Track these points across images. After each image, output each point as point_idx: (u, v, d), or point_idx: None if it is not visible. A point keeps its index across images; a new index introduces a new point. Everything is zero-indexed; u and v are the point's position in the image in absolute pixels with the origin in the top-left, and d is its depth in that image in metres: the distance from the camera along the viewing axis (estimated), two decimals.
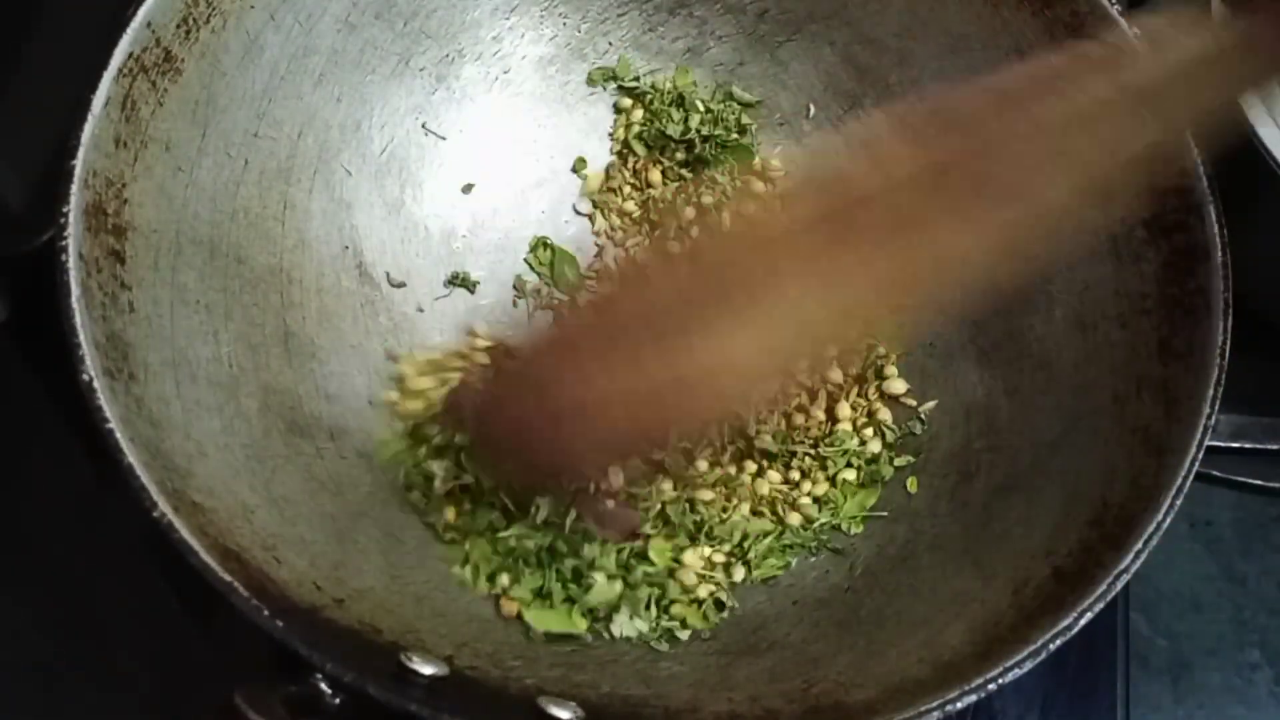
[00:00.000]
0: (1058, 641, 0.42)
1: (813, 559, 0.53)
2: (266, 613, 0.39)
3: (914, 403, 0.57)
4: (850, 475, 0.55)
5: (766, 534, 0.53)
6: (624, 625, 0.50)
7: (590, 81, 0.63)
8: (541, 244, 0.61)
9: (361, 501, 0.51)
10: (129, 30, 0.48)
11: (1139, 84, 0.40)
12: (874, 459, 0.55)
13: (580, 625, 0.50)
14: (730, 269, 0.42)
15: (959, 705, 0.41)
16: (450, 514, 0.52)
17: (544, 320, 0.59)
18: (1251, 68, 0.41)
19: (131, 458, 0.41)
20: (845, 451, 0.55)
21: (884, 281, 0.41)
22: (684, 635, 0.50)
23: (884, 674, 0.45)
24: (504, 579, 0.51)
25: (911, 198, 0.40)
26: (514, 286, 0.60)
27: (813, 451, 0.55)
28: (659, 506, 0.53)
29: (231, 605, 0.40)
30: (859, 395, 0.57)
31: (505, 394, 0.48)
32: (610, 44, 0.63)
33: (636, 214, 0.62)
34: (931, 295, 0.43)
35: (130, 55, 0.48)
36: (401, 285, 0.58)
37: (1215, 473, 0.59)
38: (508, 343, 0.53)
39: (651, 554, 0.52)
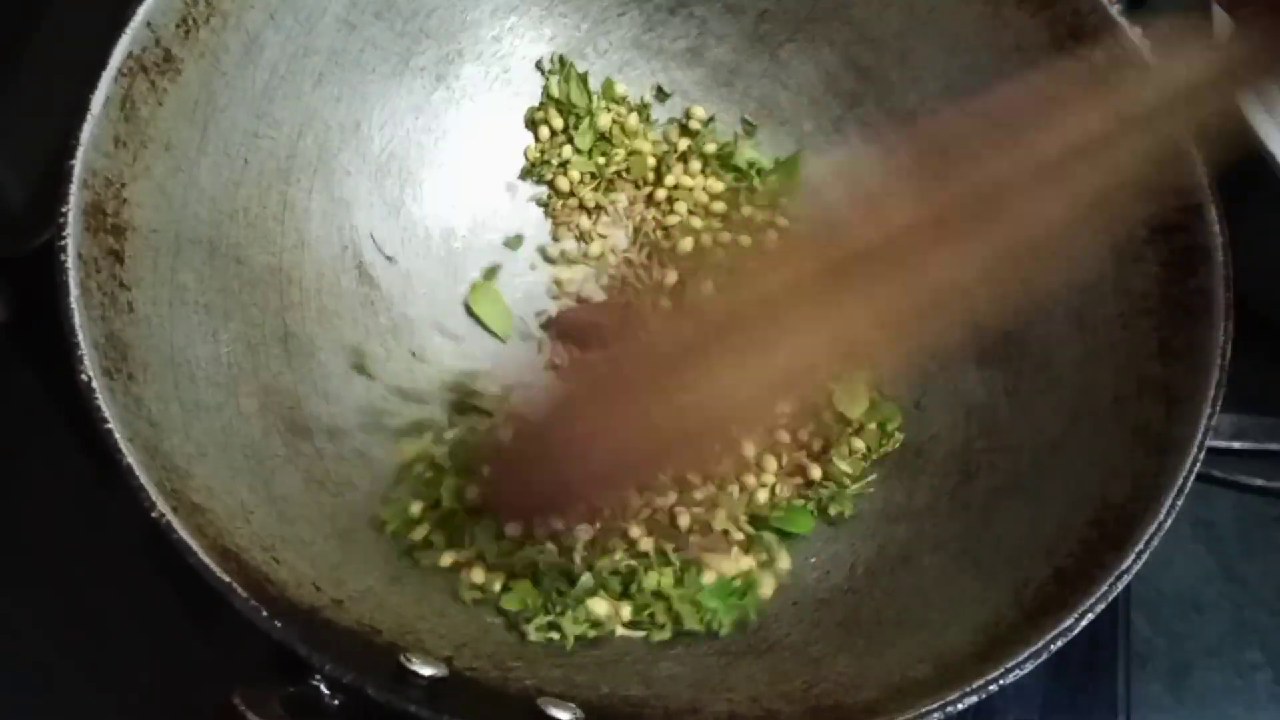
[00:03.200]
0: (1059, 642, 0.42)
1: (812, 560, 0.53)
2: (265, 613, 0.39)
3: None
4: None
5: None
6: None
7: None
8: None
9: (361, 501, 0.51)
10: (129, 30, 0.48)
11: (1138, 105, 0.39)
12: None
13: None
14: (732, 318, 0.43)
15: (960, 706, 0.40)
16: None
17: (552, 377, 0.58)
18: (1252, 73, 0.40)
19: (130, 458, 0.41)
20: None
21: (886, 319, 0.41)
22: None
23: (885, 674, 0.45)
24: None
25: (912, 240, 0.40)
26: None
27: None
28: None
29: (231, 605, 0.40)
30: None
31: (519, 460, 0.50)
32: (610, 44, 0.63)
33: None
34: (933, 330, 0.43)
35: (130, 55, 0.48)
36: (391, 259, 0.58)
37: (1216, 473, 0.59)
38: (519, 410, 0.54)
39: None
